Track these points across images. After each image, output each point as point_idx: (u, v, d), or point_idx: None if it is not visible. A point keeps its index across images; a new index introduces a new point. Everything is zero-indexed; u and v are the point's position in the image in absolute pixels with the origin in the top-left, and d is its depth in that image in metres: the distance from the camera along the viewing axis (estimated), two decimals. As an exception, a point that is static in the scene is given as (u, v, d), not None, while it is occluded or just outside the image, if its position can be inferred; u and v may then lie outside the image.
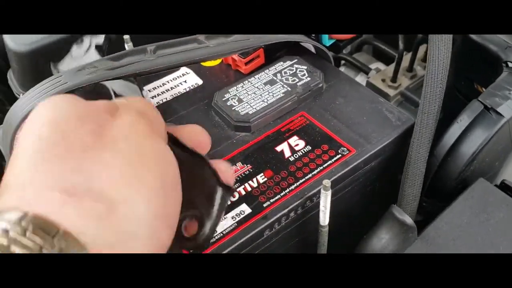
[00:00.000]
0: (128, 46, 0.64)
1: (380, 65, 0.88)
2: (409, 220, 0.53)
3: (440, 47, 0.54)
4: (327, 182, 0.48)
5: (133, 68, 0.48)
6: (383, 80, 0.80)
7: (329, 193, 0.49)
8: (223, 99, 0.61)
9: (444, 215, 0.55)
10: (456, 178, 0.56)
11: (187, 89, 0.66)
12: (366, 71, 0.85)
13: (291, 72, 0.63)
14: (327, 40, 0.67)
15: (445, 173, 0.57)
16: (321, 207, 0.52)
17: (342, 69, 0.89)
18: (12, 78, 0.67)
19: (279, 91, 0.61)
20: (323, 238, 0.55)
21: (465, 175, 0.56)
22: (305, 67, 0.64)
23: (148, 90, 0.66)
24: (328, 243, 0.56)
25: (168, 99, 0.64)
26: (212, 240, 0.48)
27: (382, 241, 0.53)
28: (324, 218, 0.53)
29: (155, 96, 0.65)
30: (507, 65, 0.57)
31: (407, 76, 0.80)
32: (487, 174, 0.60)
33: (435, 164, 0.56)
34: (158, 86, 0.66)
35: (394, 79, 0.78)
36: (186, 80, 0.66)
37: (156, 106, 0.63)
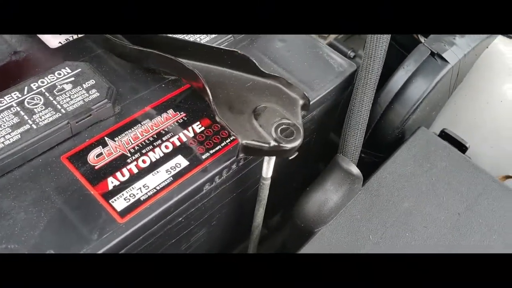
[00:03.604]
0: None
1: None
2: (355, 169, 0.50)
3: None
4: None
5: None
6: (313, 29, 0.76)
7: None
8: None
9: (387, 165, 0.53)
10: (398, 127, 0.54)
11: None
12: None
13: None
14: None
15: (388, 122, 0.54)
16: (266, 157, 0.47)
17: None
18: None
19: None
20: (264, 191, 0.50)
21: (406, 124, 0.55)
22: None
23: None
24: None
25: (76, 36, 0.54)
26: (143, 197, 0.42)
27: (327, 192, 0.50)
28: (268, 169, 0.48)
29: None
30: (450, 11, 0.55)
31: (337, 26, 0.77)
32: (424, 124, 0.59)
33: (378, 112, 0.54)
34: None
35: (324, 28, 0.74)
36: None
37: (64, 44, 0.53)
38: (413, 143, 0.54)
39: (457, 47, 0.53)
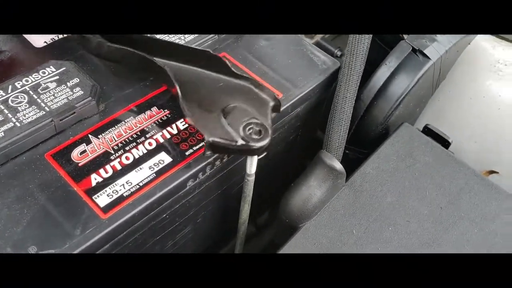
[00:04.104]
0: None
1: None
2: (338, 165, 0.50)
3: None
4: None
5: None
6: (300, 28, 0.76)
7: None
8: (133, 36, 0.53)
9: (370, 161, 0.53)
10: (381, 123, 0.55)
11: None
12: (281, 19, 0.81)
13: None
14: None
15: (371, 118, 0.55)
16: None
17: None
18: None
19: (197, 29, 0.55)
20: (249, 188, 0.50)
21: (389, 120, 0.55)
22: None
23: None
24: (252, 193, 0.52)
25: (61, 36, 0.55)
26: (126, 193, 0.42)
27: (311, 188, 0.50)
28: (251, 165, 0.48)
29: (49, 33, 0.55)
30: (432, 8, 0.56)
31: (324, 25, 0.77)
32: (408, 120, 0.59)
33: (361, 108, 0.54)
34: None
35: (311, 27, 0.75)
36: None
37: (50, 44, 0.54)
38: (396, 138, 0.54)
39: (438, 44, 0.53)
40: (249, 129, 0.44)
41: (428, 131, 0.55)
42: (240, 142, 0.43)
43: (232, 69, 0.48)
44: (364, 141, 0.57)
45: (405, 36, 0.60)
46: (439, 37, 0.54)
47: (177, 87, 0.44)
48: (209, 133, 0.43)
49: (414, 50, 0.53)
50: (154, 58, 0.47)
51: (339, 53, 0.76)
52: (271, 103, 0.47)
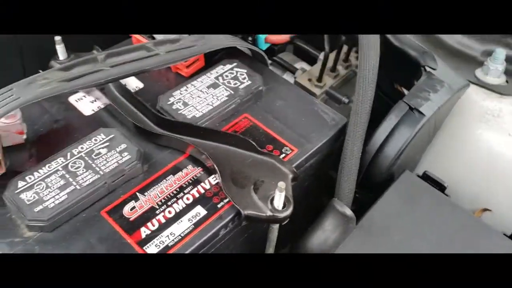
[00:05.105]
0: (60, 47, 0.63)
1: (304, 65, 0.93)
2: (349, 212, 0.58)
3: (370, 53, 0.60)
4: (282, 184, 0.51)
5: (90, 79, 0.47)
6: (310, 80, 0.85)
7: (283, 194, 0.52)
8: (168, 102, 0.62)
9: (376, 206, 0.61)
10: (386, 172, 0.63)
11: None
12: (292, 70, 0.90)
13: (232, 75, 0.66)
14: (263, 44, 0.70)
15: (376, 168, 0.63)
16: (276, 206, 0.55)
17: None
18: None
19: (222, 94, 0.63)
20: (274, 234, 0.58)
21: (393, 168, 0.63)
22: (245, 71, 0.67)
23: (84, 96, 0.65)
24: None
25: (107, 102, 0.64)
26: (171, 244, 0.50)
27: (326, 232, 0.58)
28: (276, 216, 0.56)
29: (94, 101, 0.64)
30: (425, 69, 0.64)
31: (331, 76, 0.85)
32: (409, 165, 0.67)
33: (367, 159, 0.62)
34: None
35: (320, 79, 0.83)
36: (126, 83, 0.66)
37: (96, 112, 0.63)
38: (399, 185, 0.62)
39: (432, 102, 0.61)
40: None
41: (426, 176, 0.63)
42: (269, 213, 0.52)
43: (257, 147, 0.57)
44: (371, 187, 0.65)
45: (405, 91, 0.68)
46: (432, 95, 0.62)
47: (217, 169, 0.54)
48: (244, 208, 0.52)
49: (411, 108, 0.61)
50: (196, 140, 0.57)
51: (346, 100, 0.83)
52: (291, 175, 0.56)
